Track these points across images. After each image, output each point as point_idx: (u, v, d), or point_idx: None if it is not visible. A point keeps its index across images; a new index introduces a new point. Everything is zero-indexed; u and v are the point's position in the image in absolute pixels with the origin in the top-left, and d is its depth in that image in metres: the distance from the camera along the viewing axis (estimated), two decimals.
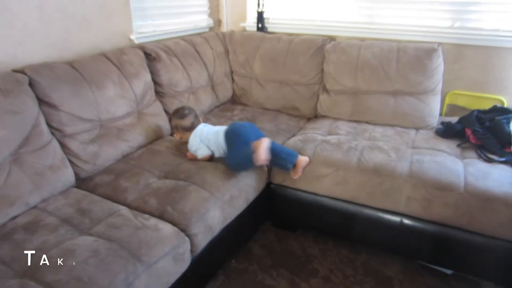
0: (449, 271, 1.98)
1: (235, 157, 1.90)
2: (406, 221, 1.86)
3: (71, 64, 1.88)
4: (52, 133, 1.75)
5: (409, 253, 1.98)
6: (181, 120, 2.08)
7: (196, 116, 2.12)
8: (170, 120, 2.26)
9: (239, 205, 1.86)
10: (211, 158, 1.99)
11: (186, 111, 2.10)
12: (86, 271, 1.21)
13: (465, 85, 2.50)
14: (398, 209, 1.86)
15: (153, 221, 1.50)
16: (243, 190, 1.88)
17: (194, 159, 1.98)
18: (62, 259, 1.24)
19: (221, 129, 2.03)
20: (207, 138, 1.99)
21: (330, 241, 2.20)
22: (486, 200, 1.67)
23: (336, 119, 2.48)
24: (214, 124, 2.45)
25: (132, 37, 2.41)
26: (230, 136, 1.96)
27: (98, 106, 1.90)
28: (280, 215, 2.27)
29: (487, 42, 2.35)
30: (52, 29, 1.94)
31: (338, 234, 2.17)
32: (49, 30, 1.93)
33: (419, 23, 2.54)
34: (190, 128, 2.05)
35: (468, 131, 2.05)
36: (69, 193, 1.69)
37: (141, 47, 2.31)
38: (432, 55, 2.27)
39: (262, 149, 1.80)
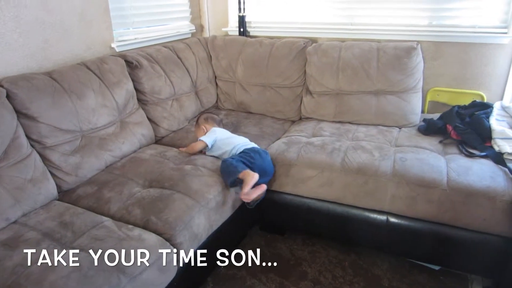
0: (437, 267, 2.00)
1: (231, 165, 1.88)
2: (392, 219, 1.87)
3: (50, 75, 1.85)
4: (32, 146, 1.73)
5: (397, 251, 2.00)
6: (213, 115, 2.37)
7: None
8: (201, 114, 2.43)
9: (226, 212, 1.85)
10: (201, 151, 2.13)
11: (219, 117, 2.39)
12: (68, 286, 1.19)
13: (446, 82, 2.54)
14: (383, 207, 1.87)
15: (137, 231, 1.48)
16: (229, 196, 1.87)
17: (185, 151, 2.11)
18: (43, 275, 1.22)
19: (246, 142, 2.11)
20: (224, 134, 2.15)
21: (318, 243, 2.21)
22: (468, 195, 1.69)
23: (320, 120, 2.49)
24: None
25: (113, 45, 2.40)
26: (249, 152, 1.98)
27: (79, 116, 1.87)
28: (268, 219, 2.27)
29: (465, 38, 2.39)
30: (30, 39, 1.92)
31: (326, 235, 2.18)
32: (27, 41, 1.91)
33: (397, 22, 2.58)
34: (219, 123, 2.30)
35: (449, 127, 2.08)
36: (51, 206, 1.66)
37: (122, 55, 2.29)
38: (411, 54, 2.29)
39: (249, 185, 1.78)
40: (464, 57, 2.44)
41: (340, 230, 2.04)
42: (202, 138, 2.10)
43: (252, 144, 2.09)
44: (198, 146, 2.09)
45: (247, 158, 1.93)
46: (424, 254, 1.91)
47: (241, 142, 2.07)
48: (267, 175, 2.00)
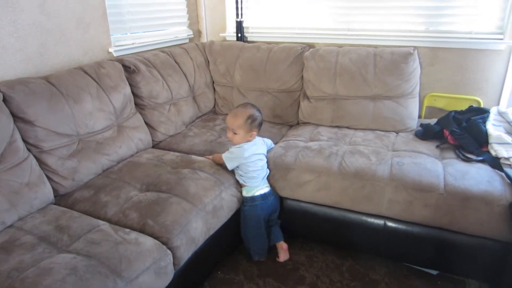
0: (434, 272, 1.99)
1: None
2: (390, 223, 1.87)
3: (47, 79, 1.85)
4: (29, 150, 1.72)
5: (395, 255, 1.99)
6: (258, 113, 2.01)
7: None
8: (251, 117, 1.97)
9: (223, 216, 1.85)
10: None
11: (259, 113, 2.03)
12: None
13: (442, 87, 2.55)
14: (380, 212, 1.87)
15: (133, 235, 1.47)
16: (227, 200, 1.87)
17: (213, 159, 2.07)
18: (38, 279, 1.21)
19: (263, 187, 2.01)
20: (249, 159, 1.96)
21: (316, 247, 2.20)
22: (465, 199, 1.69)
23: (318, 125, 2.49)
24: (196, 134, 2.46)
25: (111, 50, 2.40)
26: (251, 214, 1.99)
27: (76, 120, 1.87)
28: None
29: (461, 44, 2.41)
30: (27, 44, 1.92)
31: (324, 240, 2.17)
32: (24, 45, 1.91)
33: (394, 28, 2.60)
34: (258, 125, 2.01)
35: (446, 132, 2.08)
36: (48, 210, 1.65)
37: (120, 59, 2.29)
38: (408, 59, 2.30)
39: None
40: (461, 62, 2.45)
41: (338, 235, 2.03)
42: (226, 161, 1.97)
43: (267, 186, 2.04)
44: (220, 162, 2.02)
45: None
46: (422, 258, 1.91)
47: (262, 182, 2.02)
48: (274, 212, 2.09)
